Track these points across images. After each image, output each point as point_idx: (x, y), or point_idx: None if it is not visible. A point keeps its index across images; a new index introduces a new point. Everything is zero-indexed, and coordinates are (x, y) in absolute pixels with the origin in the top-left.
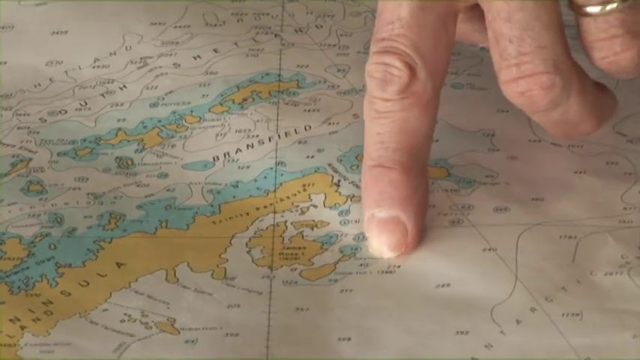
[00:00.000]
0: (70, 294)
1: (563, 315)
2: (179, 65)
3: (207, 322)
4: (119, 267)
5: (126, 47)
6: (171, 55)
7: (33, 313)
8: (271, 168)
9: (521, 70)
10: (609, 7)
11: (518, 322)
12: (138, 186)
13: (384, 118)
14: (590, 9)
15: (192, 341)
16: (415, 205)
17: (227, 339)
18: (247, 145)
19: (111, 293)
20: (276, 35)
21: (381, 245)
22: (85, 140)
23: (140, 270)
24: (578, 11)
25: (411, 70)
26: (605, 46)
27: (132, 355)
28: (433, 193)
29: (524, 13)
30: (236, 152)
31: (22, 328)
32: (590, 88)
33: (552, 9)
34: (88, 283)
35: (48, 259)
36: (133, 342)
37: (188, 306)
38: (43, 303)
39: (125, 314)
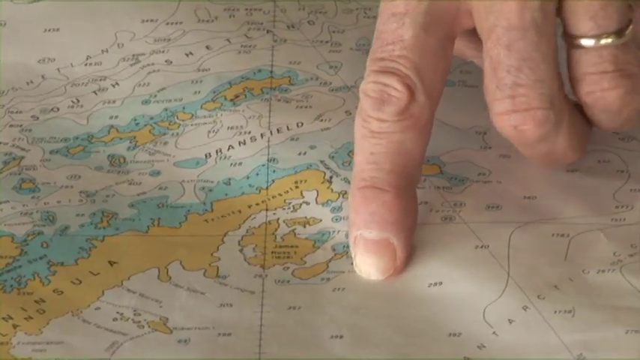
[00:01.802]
0: (62, 292)
1: (555, 312)
2: (171, 62)
3: (199, 321)
4: (111, 265)
5: (118, 45)
6: (163, 52)
7: (25, 312)
8: (263, 165)
9: (516, 103)
10: (604, 41)
11: (510, 321)
12: (130, 184)
13: (378, 138)
14: (584, 41)
15: (185, 341)
16: (406, 228)
17: (219, 339)
18: (239, 142)
19: (103, 291)
20: (268, 31)
21: (369, 267)
22: (77, 138)
23: (132, 268)
24: (572, 42)
25: (411, 92)
26: (594, 81)
27: (124, 354)
28: (425, 189)
29: (525, 43)
30: (228, 149)
31: (15, 326)
32: (577, 122)
33: (551, 42)
34: (81, 282)
35: (40, 258)
36: (126, 341)
37: (180, 305)
38: (36, 301)
39: (117, 313)
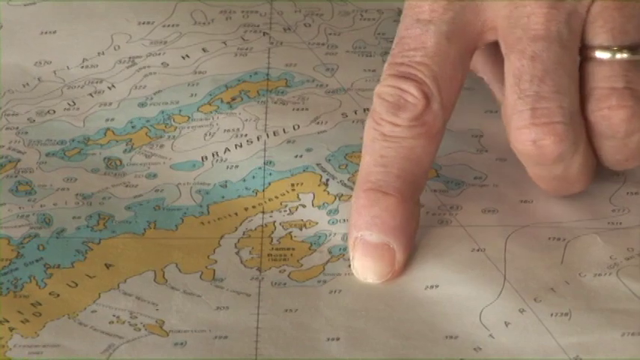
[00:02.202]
0: (58, 295)
1: (552, 315)
2: (167, 65)
3: (196, 324)
4: (108, 268)
5: (114, 47)
6: (159, 54)
7: (22, 315)
8: (260, 167)
9: (537, 115)
10: (619, 55)
11: (507, 324)
12: (126, 186)
13: (390, 142)
14: (599, 53)
15: (181, 344)
16: (407, 234)
17: (216, 341)
18: (236, 145)
19: (99, 294)
20: (264, 34)
21: (366, 270)
22: (73, 140)
23: (129, 271)
24: (587, 54)
25: (427, 99)
26: (602, 95)
27: (121, 357)
28: (422, 192)
29: (550, 54)
30: (224, 152)
31: (11, 329)
32: (590, 145)
33: (574, 59)
34: (77, 284)
35: (37, 260)
36: (122, 344)
37: (177, 308)
38: (32, 304)
39: (114, 315)
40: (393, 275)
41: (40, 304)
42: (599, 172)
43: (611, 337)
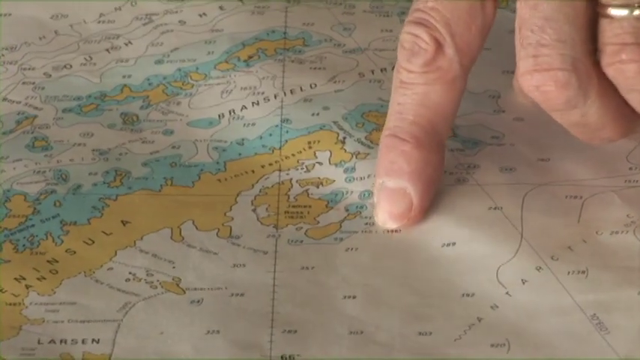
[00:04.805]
0: (75, 252)
1: (568, 273)
2: (184, 22)
3: (212, 282)
4: (124, 225)
5: (131, 3)
6: (176, 12)
7: (38, 272)
8: (277, 125)
9: (538, 63)
10: (637, 12)
11: (523, 281)
12: (143, 142)
13: (405, 88)
14: (613, 11)
15: (198, 301)
16: (424, 180)
17: (232, 299)
18: (253, 103)
19: (116, 252)
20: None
21: (384, 215)
22: (90, 96)
23: (145, 228)
24: (601, 11)
25: (438, 45)
26: (613, 52)
27: (137, 315)
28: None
29: (550, 3)
30: (241, 109)
31: (27, 287)
32: (612, 93)
33: (578, 7)
34: (93, 242)
35: (53, 217)
36: (138, 301)
37: (193, 265)
38: (48, 262)
39: (130, 273)
40: (410, 221)
41: (57, 262)
42: None
43: (627, 294)
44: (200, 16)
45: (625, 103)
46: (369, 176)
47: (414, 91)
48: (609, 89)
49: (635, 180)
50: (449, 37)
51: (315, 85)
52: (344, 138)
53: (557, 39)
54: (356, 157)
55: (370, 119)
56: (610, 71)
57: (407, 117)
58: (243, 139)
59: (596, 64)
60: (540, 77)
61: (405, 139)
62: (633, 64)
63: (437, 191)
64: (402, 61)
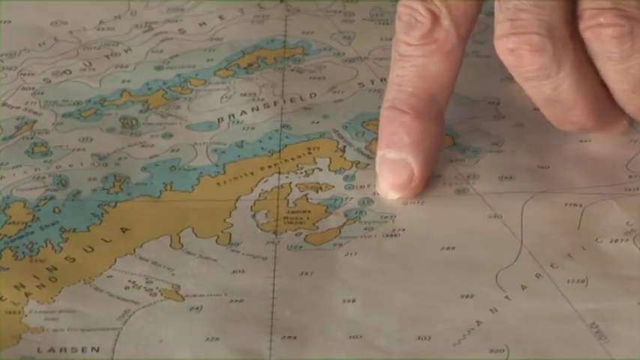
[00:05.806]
0: (74, 260)
1: (568, 281)
2: (184, 31)
3: (211, 288)
4: (124, 232)
5: (131, 12)
6: (176, 21)
7: (38, 280)
8: (276, 130)
9: (515, 26)
10: None
11: (523, 287)
12: (142, 146)
13: (404, 61)
14: None
15: (197, 308)
16: (424, 150)
17: (232, 305)
18: (252, 108)
19: (115, 259)
20: (281, 1)
21: (386, 186)
22: (89, 101)
23: (145, 236)
24: None
25: (434, 17)
26: (591, 15)
27: (136, 323)
28: (438, 162)
29: None
30: (241, 114)
31: (27, 294)
32: (586, 69)
33: None
34: (93, 249)
35: (52, 224)
36: (138, 309)
37: (193, 272)
38: (48, 269)
39: (130, 281)
40: (411, 191)
41: (56, 269)
42: (616, 139)
43: (627, 304)
44: (200, 25)
45: (600, 85)
46: (369, 185)
47: (412, 63)
48: (584, 64)
49: (635, 188)
50: (444, 9)
51: (315, 95)
52: (344, 147)
53: (536, 4)
54: (356, 167)
55: (370, 128)
56: (587, 34)
57: (406, 89)
58: (242, 142)
59: (574, 34)
60: (516, 40)
61: (405, 110)
62: (610, 27)
63: (436, 202)
64: (400, 34)
